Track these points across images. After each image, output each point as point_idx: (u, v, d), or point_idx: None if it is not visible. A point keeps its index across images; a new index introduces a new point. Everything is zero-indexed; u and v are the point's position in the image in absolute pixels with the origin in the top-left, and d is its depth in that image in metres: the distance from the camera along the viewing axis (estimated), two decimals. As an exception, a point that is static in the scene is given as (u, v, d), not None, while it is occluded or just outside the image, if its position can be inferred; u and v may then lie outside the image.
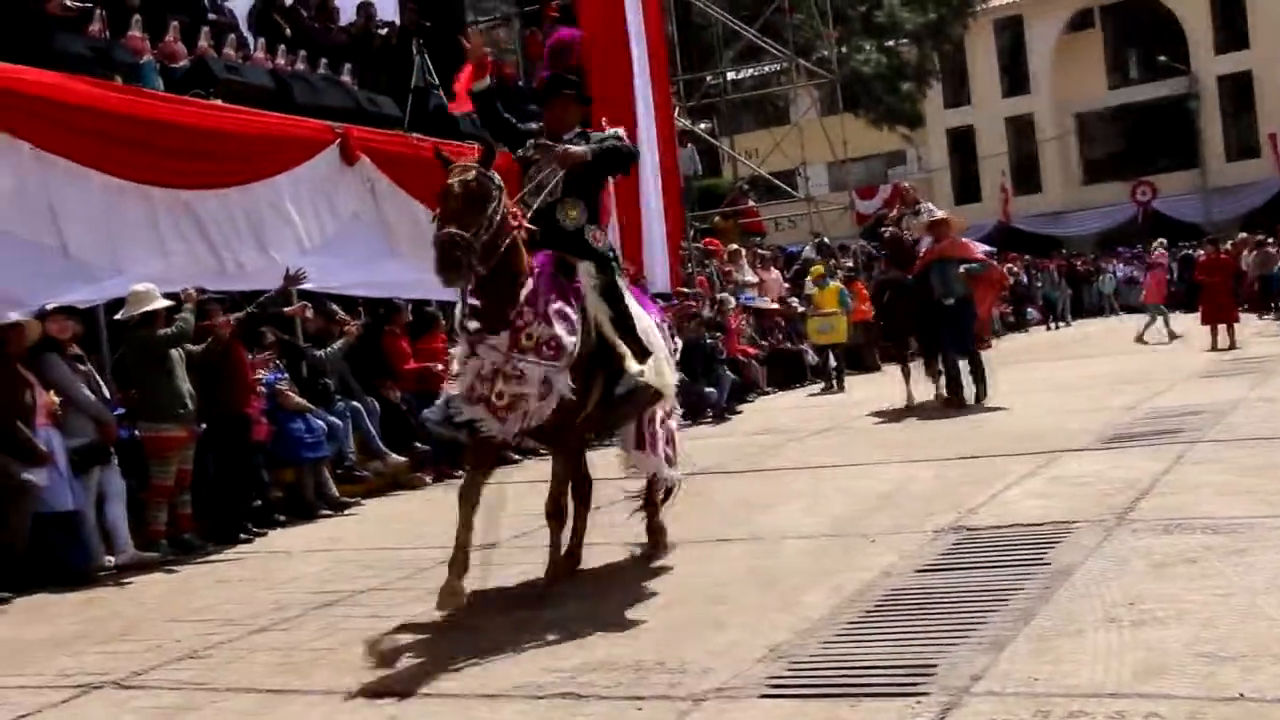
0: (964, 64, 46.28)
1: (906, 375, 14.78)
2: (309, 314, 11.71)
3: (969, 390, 13.97)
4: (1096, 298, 37.08)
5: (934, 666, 4.69)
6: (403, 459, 11.92)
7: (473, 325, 6.29)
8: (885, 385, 16.19)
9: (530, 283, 6.29)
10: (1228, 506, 6.98)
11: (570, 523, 7.02)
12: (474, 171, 6.05)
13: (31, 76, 9.71)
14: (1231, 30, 43.65)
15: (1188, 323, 21.69)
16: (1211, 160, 44.06)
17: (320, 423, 10.99)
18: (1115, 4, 45.36)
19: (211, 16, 13.85)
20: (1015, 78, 47.31)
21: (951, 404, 13.97)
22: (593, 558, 7.27)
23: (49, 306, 9.12)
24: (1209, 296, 19.74)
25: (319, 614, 6.85)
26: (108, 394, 9.38)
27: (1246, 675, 4.24)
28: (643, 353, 6.71)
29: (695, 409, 15.83)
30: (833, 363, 18.96)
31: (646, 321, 7.04)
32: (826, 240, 26.52)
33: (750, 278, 22.15)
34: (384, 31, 16.10)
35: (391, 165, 12.88)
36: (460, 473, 11.65)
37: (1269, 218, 35.83)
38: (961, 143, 48.08)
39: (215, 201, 11.14)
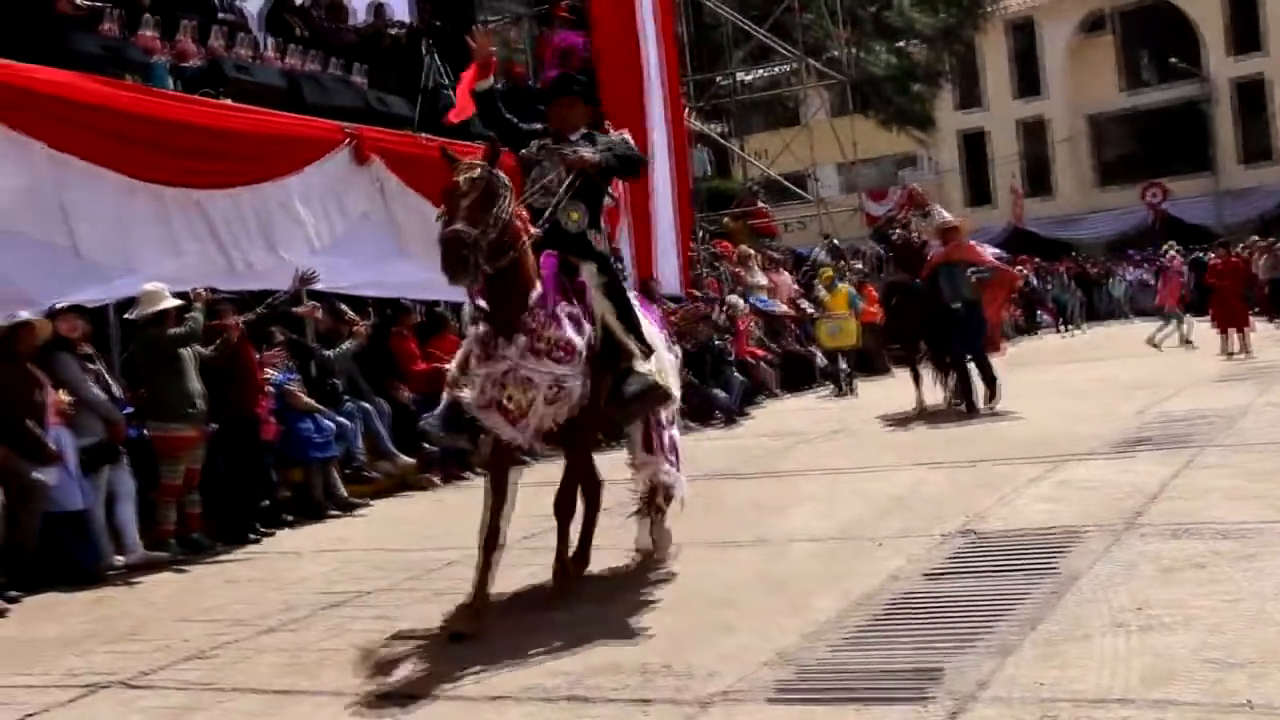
0: (976, 66, 46.15)
1: (916, 379, 14.76)
2: (319, 314, 11.72)
3: (978, 394, 13.94)
4: (1107, 301, 36.98)
5: (941, 672, 4.69)
6: (411, 460, 11.92)
7: (484, 329, 6.26)
8: (895, 389, 16.17)
9: (538, 284, 6.24)
10: (1237, 512, 6.97)
11: (577, 523, 7.01)
12: (480, 169, 5.98)
13: (44, 76, 9.72)
14: (1245, 33, 43.45)
15: (1199, 327, 21.62)
16: (1224, 163, 43.89)
17: (329, 423, 10.99)
18: (1128, 7, 45.20)
19: (223, 16, 13.86)
20: (1027, 80, 47.18)
21: (961, 408, 13.95)
22: (600, 561, 7.26)
23: (59, 305, 9.14)
24: (1220, 301, 19.66)
25: (327, 614, 6.86)
26: (118, 393, 9.39)
27: (1254, 682, 4.24)
28: (648, 350, 6.68)
29: (704, 411, 15.85)
30: (843, 366, 18.91)
31: (649, 327, 7.02)
32: (837, 242, 26.49)
33: (760, 280, 22.13)
34: (395, 31, 16.12)
35: (402, 165, 12.88)
36: (468, 475, 11.76)
37: (1282, 221, 35.79)
38: (973, 145, 47.97)
39: (226, 201, 11.15)
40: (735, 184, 31.84)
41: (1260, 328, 21.21)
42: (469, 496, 9.68)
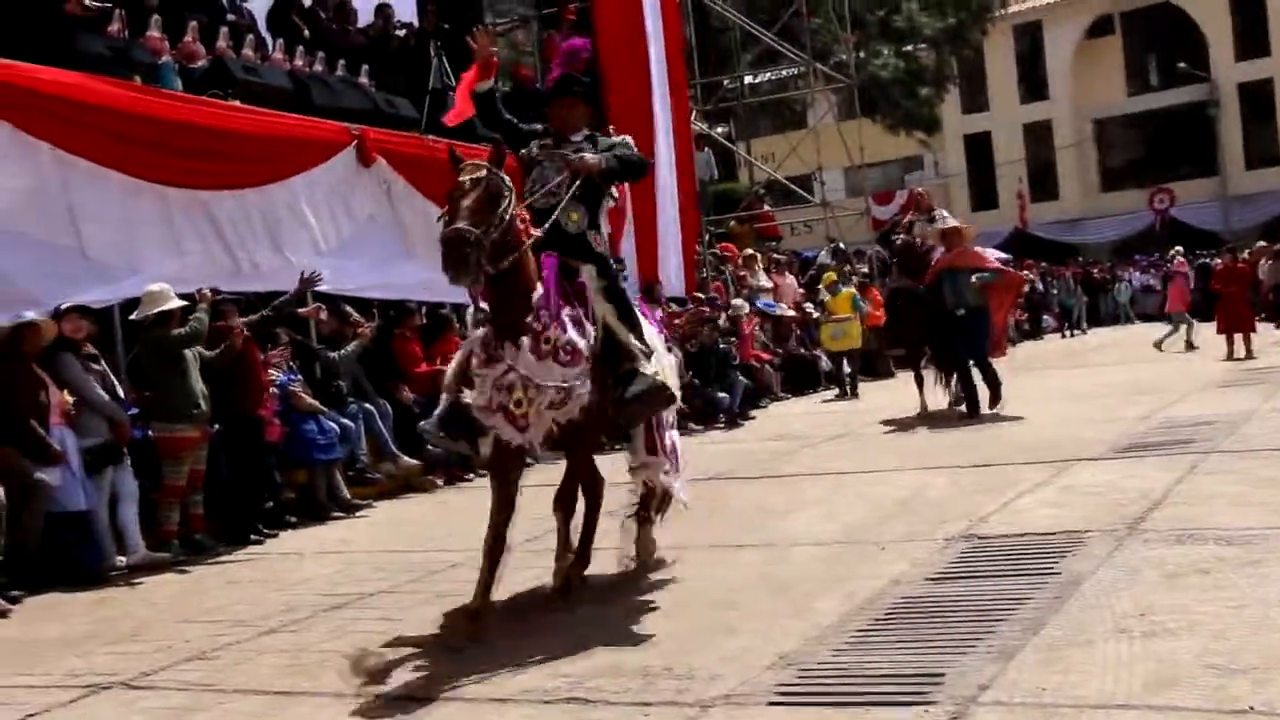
0: (982, 69, 46.13)
1: (920, 382, 14.75)
2: (323, 316, 11.73)
3: (982, 397, 13.92)
4: (1113, 306, 36.96)
5: (942, 675, 4.68)
6: (415, 462, 11.92)
7: (485, 331, 6.22)
8: (899, 392, 16.16)
9: (540, 286, 6.21)
10: (1241, 517, 6.95)
11: (577, 519, 7.00)
12: (485, 170, 5.97)
13: (51, 76, 9.75)
14: (1252, 37, 43.43)
15: (1205, 332, 21.60)
16: (1231, 168, 43.88)
17: (333, 424, 11.00)
18: (1135, 10, 45.21)
19: (230, 17, 13.88)
20: (1033, 83, 47.20)
21: (965, 412, 13.93)
22: (602, 562, 7.25)
23: (64, 306, 9.15)
24: (1226, 306, 19.64)
25: (328, 616, 6.86)
26: (121, 394, 9.40)
27: (1257, 688, 4.22)
28: (648, 352, 6.66)
29: (708, 414, 15.86)
30: (846, 369, 18.92)
31: (648, 329, 7.01)
32: (842, 245, 26.48)
33: (765, 283, 22.13)
34: (402, 33, 16.13)
35: (408, 167, 12.91)
36: (471, 477, 11.76)
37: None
38: (979, 148, 47.97)
39: (232, 202, 11.18)
40: (741, 186, 31.83)
41: (1265, 332, 21.16)
42: (472, 498, 9.70)
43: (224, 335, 9.75)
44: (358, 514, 10.85)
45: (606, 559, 7.25)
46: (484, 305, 6.22)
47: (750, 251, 23.52)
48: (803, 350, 20.78)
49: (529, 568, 7.11)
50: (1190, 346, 21.44)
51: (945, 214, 15.89)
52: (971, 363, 14.05)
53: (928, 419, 13.98)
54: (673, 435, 7.40)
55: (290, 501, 10.62)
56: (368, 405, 11.81)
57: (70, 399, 8.77)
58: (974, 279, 14.01)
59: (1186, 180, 43.65)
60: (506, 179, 6.07)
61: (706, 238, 23.16)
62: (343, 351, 11.71)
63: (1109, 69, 45.70)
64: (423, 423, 7.05)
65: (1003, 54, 46.44)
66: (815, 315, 20.74)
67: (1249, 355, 18.58)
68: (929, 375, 14.83)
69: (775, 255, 25.01)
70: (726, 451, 12.83)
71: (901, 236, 15.67)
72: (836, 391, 19.07)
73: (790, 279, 23.63)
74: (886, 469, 10.39)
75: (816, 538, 7.72)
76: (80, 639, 6.83)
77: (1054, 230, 44.92)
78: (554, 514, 6.90)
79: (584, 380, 6.21)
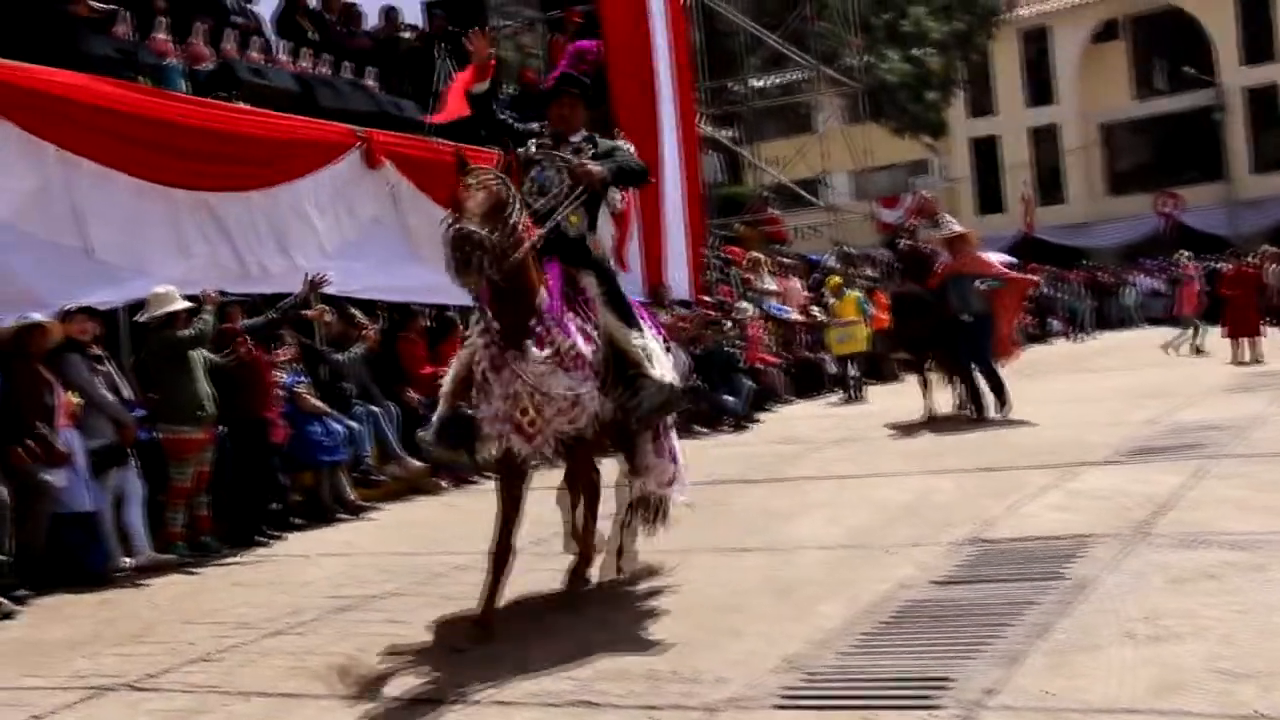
0: (988, 73, 46.10)
1: (925, 386, 14.73)
2: (329, 318, 11.73)
3: (988, 401, 13.91)
4: (1119, 310, 36.92)
5: (949, 679, 4.67)
6: (420, 464, 11.89)
7: (490, 338, 6.15)
8: (905, 395, 16.14)
9: (544, 293, 6.18)
10: (1248, 522, 6.93)
11: (579, 510, 7.01)
12: (492, 175, 5.98)
13: (57, 78, 9.76)
14: (1258, 42, 43.38)
15: (1212, 336, 21.56)
16: (1237, 172, 43.81)
17: (338, 426, 11.00)
18: (1141, 15, 45.16)
19: (236, 19, 13.92)
20: (1040, 88, 47.14)
21: (971, 416, 13.92)
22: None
23: (70, 307, 9.15)
24: (1233, 310, 19.62)
25: (334, 618, 6.85)
26: (127, 395, 9.40)
27: (1264, 693, 4.21)
28: (649, 356, 6.64)
29: (714, 417, 15.85)
30: (852, 372, 18.92)
31: (648, 332, 6.98)
32: (848, 249, 26.48)
33: (770, 286, 22.12)
34: (408, 35, 16.16)
35: (413, 169, 12.92)
36: (477, 479, 11.74)
37: (1296, 230, 35.68)
38: (985, 152, 47.92)
39: (238, 204, 11.19)
40: (747, 190, 31.85)
41: (1272, 336, 21.12)
42: (478, 500, 9.71)
43: (230, 337, 9.75)
44: (363, 516, 10.84)
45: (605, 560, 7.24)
46: (489, 312, 6.15)
47: (756, 254, 23.53)
48: (809, 353, 20.77)
49: (534, 571, 7.11)
50: (1198, 351, 21.42)
51: (950, 219, 15.88)
52: (976, 369, 14.03)
53: (934, 423, 13.97)
54: (674, 439, 7.37)
55: (296, 503, 10.61)
56: (374, 407, 11.81)
57: (76, 400, 8.78)
58: (980, 285, 13.99)
59: (1193, 185, 43.61)
60: (512, 186, 6.05)
61: (713, 241, 23.16)
62: (348, 354, 11.72)
63: (1115, 73, 45.67)
64: (420, 432, 7.02)
65: (1009, 58, 46.40)
66: (821, 319, 20.74)
67: (1256, 359, 18.55)
68: (934, 379, 14.80)
69: (782, 259, 25.01)
70: (732, 455, 12.82)
71: (905, 241, 15.66)
72: (842, 395, 19.06)
73: (796, 282, 23.65)
74: (892, 473, 10.38)
75: (822, 541, 7.70)
76: (86, 640, 6.84)
77: (1060, 234, 44.82)
78: (558, 504, 6.88)
79: (591, 388, 6.18)
